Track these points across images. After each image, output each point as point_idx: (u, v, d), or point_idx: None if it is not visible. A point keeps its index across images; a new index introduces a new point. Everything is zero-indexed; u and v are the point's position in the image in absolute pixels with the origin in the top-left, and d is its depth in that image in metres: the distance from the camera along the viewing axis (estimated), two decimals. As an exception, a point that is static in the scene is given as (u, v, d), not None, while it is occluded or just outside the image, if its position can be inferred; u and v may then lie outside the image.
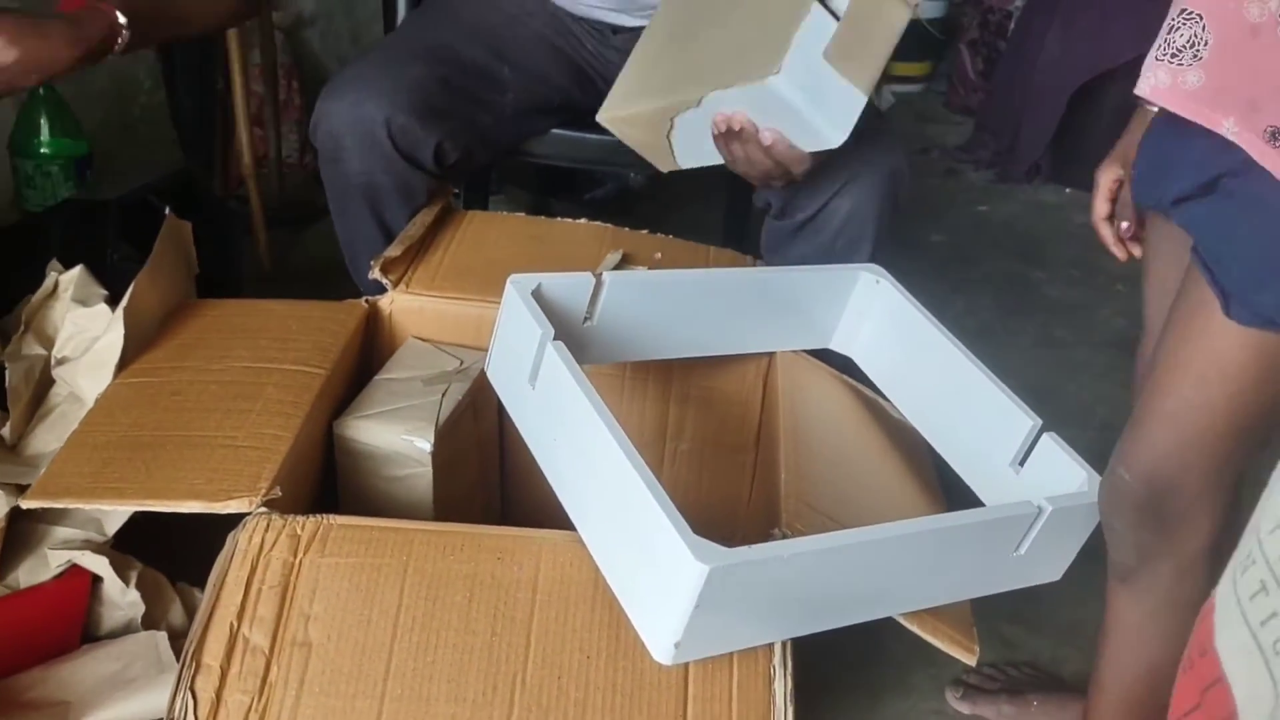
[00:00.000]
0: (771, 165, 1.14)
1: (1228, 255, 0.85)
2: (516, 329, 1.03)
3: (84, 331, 1.22)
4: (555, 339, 0.97)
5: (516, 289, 1.03)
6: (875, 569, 0.92)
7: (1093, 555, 1.47)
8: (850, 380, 1.26)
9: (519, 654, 0.87)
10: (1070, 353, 2.00)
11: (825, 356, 1.27)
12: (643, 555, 0.85)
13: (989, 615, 1.39)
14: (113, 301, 1.24)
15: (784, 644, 0.88)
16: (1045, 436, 1.07)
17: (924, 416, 1.16)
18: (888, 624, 1.37)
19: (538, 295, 1.04)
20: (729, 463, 1.33)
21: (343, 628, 0.88)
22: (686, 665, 0.87)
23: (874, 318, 1.23)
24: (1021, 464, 1.08)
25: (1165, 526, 0.95)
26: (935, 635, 0.96)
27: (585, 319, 1.11)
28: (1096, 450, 1.73)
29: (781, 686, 0.86)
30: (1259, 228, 0.83)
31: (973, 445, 1.12)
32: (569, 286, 1.09)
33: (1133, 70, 0.91)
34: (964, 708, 1.29)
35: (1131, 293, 2.23)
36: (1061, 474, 1.04)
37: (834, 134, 1.10)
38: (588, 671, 0.86)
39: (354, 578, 0.91)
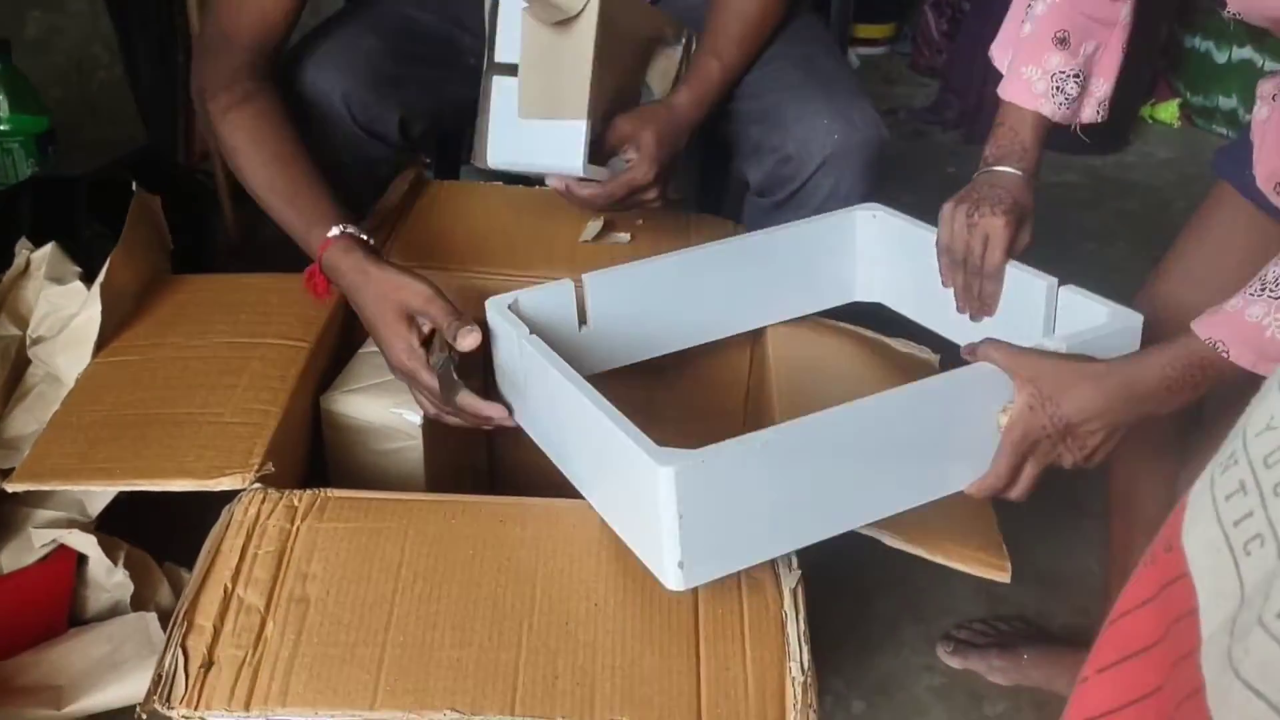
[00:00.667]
0: (586, 201, 1.20)
1: None
2: (506, 347, 1.01)
3: (59, 310, 1.20)
4: (531, 334, 0.96)
5: (495, 310, 1.01)
6: (863, 450, 0.88)
7: (1077, 508, 1.50)
8: (844, 325, 1.24)
9: (525, 603, 0.86)
10: (1044, 310, 2.02)
11: (851, 308, 1.25)
12: (628, 487, 0.84)
13: (976, 572, 1.41)
14: (87, 279, 1.21)
15: (794, 589, 0.88)
16: (1064, 290, 1.04)
17: (958, 326, 1.12)
18: (876, 581, 1.39)
19: (516, 309, 1.01)
20: (717, 429, 1.32)
21: (342, 584, 0.87)
22: (697, 612, 0.86)
23: (885, 253, 1.20)
24: (1054, 330, 1.05)
25: None
26: (963, 561, 0.94)
27: (581, 325, 1.09)
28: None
29: (794, 629, 0.86)
30: None
31: (1008, 331, 1.05)
32: (550, 295, 1.05)
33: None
34: (954, 662, 1.30)
35: (1100, 250, 2.26)
36: (1090, 320, 1.00)
37: (570, 166, 1.16)
38: (596, 619, 0.85)
39: (354, 539, 0.90)
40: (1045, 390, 0.91)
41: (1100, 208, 2.45)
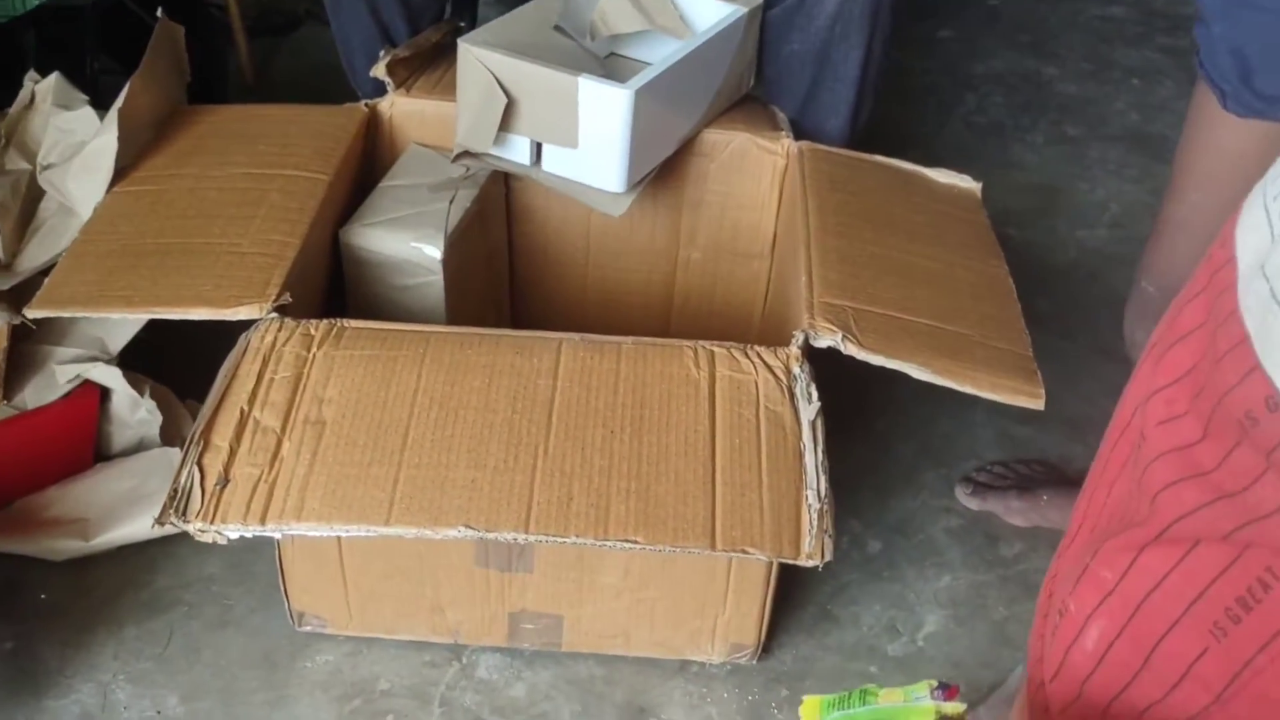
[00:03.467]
0: None
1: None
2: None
3: (69, 135, 1.18)
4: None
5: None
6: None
7: (1104, 353, 1.48)
8: (879, 158, 1.21)
9: (540, 429, 0.87)
10: (1082, 149, 1.96)
11: None
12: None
13: (999, 417, 1.40)
14: (96, 108, 1.19)
15: (812, 421, 0.88)
16: None
17: None
18: (896, 425, 1.38)
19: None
20: (742, 271, 1.31)
21: (358, 408, 0.87)
22: (714, 442, 0.87)
23: None
24: None
25: None
26: (995, 390, 0.92)
27: None
28: (1109, 250, 1.72)
29: (812, 459, 0.86)
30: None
31: None
32: None
33: None
34: (972, 504, 1.30)
35: (1146, 87, 2.17)
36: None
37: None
38: (612, 444, 0.86)
39: (369, 366, 0.90)
40: None
41: (1147, 43, 2.35)
